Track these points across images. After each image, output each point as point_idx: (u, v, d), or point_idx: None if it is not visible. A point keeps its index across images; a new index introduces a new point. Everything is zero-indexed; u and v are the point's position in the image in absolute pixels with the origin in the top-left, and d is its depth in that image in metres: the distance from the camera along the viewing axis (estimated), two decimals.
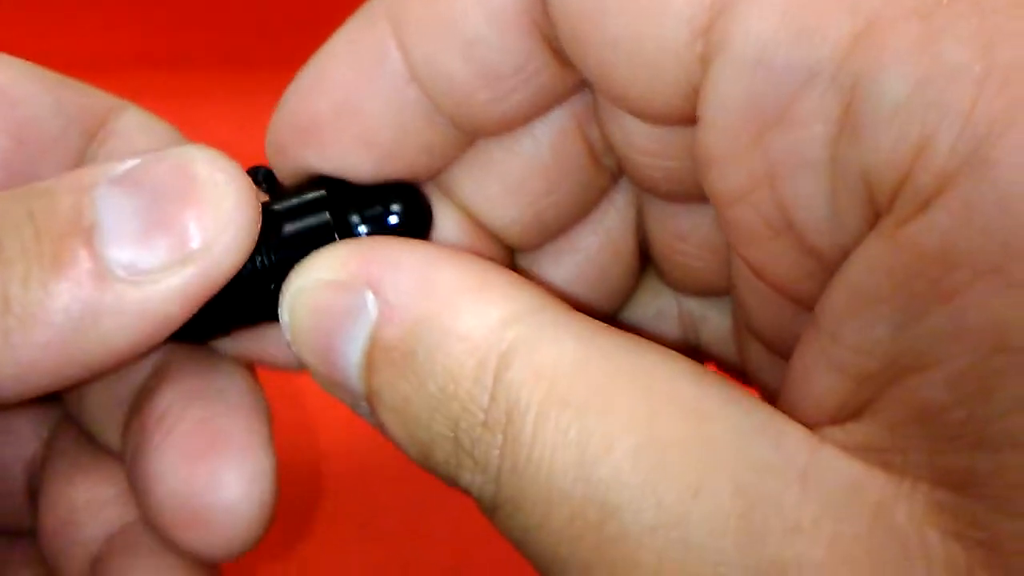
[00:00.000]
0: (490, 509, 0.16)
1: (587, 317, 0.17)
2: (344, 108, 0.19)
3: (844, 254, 0.15)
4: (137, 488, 0.20)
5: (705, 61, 0.15)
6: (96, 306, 0.17)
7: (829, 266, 0.16)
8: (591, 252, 0.22)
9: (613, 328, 0.17)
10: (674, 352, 0.16)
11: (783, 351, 0.18)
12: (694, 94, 0.16)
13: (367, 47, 0.19)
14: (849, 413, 0.15)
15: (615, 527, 0.15)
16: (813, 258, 0.16)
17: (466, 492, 0.17)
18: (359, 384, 0.18)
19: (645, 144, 0.19)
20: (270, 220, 0.19)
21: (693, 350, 0.24)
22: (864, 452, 0.15)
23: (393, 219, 0.20)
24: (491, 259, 0.19)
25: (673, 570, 0.14)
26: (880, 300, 0.14)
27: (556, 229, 0.22)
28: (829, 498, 0.14)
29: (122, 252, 0.17)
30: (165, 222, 0.17)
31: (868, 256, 0.15)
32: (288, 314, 0.18)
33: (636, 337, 0.17)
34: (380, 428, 0.18)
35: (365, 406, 0.18)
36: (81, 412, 0.23)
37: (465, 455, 0.16)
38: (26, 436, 0.24)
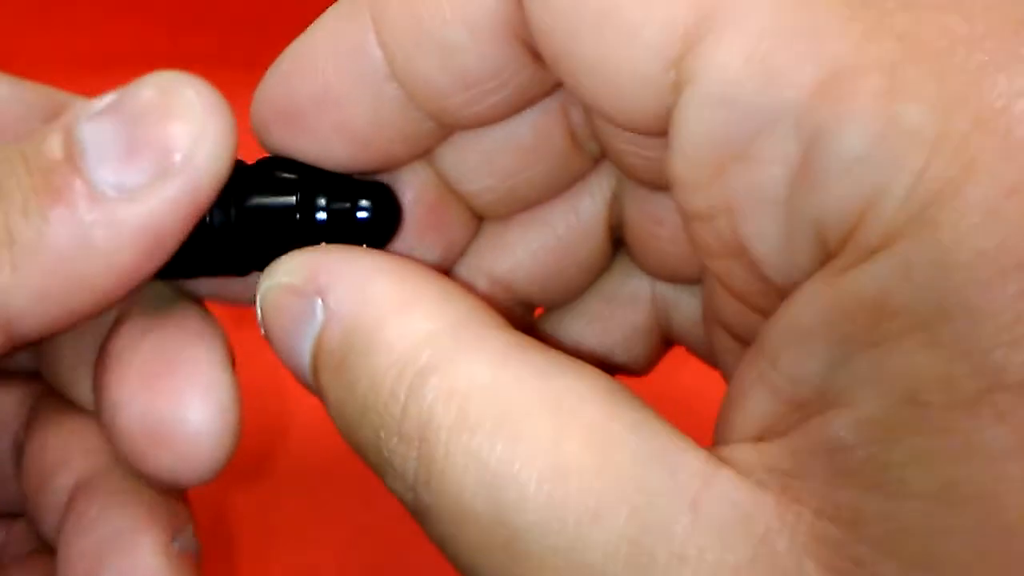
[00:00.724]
0: (414, 513, 0.17)
1: (514, 332, 0.18)
2: (324, 98, 0.19)
3: (794, 286, 0.16)
4: (105, 423, 0.21)
5: (676, 89, 0.16)
6: (93, 225, 0.18)
7: (781, 292, 0.16)
8: (560, 229, 0.23)
9: (537, 345, 0.17)
10: (591, 370, 0.17)
11: (748, 341, 0.19)
12: (667, 114, 0.16)
13: (349, 40, 0.19)
14: (772, 435, 0.16)
15: (521, 547, 0.16)
16: (766, 283, 0.17)
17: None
18: (311, 381, 0.19)
19: (625, 138, 0.20)
20: (243, 182, 0.20)
21: (664, 332, 0.25)
22: (767, 473, 0.15)
23: (362, 214, 0.20)
24: (458, 223, 0.22)
25: None
26: (816, 337, 0.15)
27: (527, 203, 0.22)
28: (717, 527, 0.15)
29: (109, 173, 0.18)
30: (146, 140, 0.18)
31: (811, 294, 0.15)
32: (259, 310, 0.20)
33: (556, 356, 0.17)
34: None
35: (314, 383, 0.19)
36: (55, 375, 0.24)
37: (386, 463, 0.17)
38: (11, 417, 0.25)
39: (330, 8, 0.20)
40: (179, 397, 0.20)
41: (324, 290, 0.19)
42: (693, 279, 0.23)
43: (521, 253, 0.23)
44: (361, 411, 0.18)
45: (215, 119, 0.19)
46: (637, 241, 0.23)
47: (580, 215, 0.23)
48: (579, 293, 0.24)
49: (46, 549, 0.23)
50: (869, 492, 0.14)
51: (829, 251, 0.15)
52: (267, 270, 0.20)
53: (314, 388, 0.19)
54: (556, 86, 0.20)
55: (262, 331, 0.20)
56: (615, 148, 0.20)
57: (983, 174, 0.13)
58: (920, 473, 0.14)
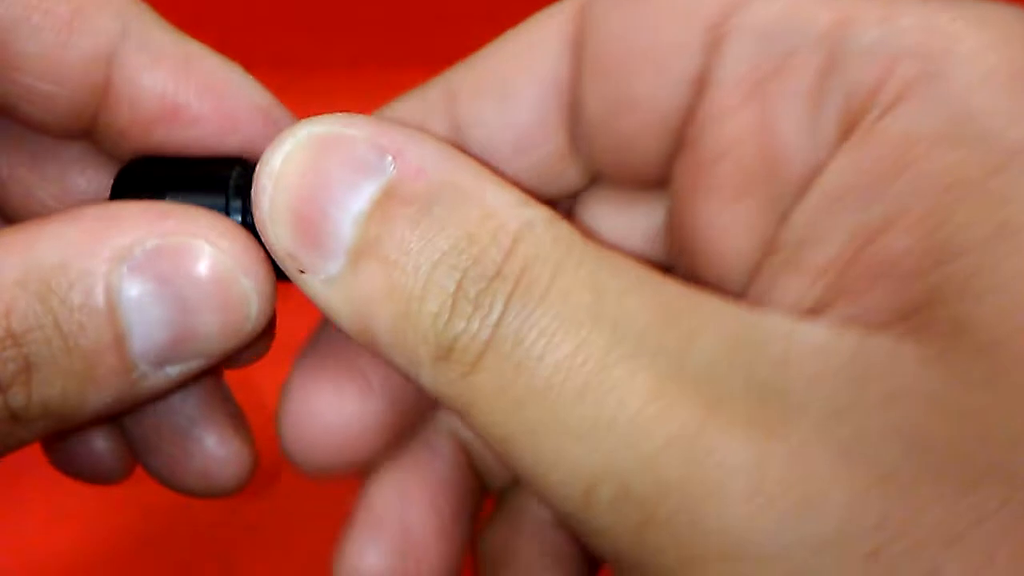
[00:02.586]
0: (470, 362, 0.17)
1: None
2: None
3: (813, 175, 0.18)
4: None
5: (711, 48, 0.19)
6: (123, 395, 0.19)
7: (787, 211, 0.18)
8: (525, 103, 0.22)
9: None
10: None
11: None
12: (697, 74, 0.19)
13: (422, 103, 0.22)
14: (810, 313, 0.17)
15: (615, 359, 0.16)
16: (773, 212, 0.19)
17: (432, 362, 0.17)
18: (352, 234, 0.18)
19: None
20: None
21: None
22: (837, 326, 0.17)
23: None
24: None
25: (671, 390, 0.16)
26: (850, 186, 0.17)
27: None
28: (811, 343, 0.16)
29: (149, 360, 0.19)
30: (190, 333, 0.19)
31: (839, 160, 0.18)
32: (280, 160, 0.18)
33: None
34: (339, 293, 0.18)
35: (335, 267, 0.18)
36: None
37: (465, 303, 0.17)
38: None
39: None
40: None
41: (400, 148, 0.18)
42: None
43: (488, 123, 0.23)
44: (440, 258, 0.17)
45: (259, 320, 0.19)
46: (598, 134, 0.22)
47: (546, 88, 0.22)
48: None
49: None
50: (932, 272, 0.16)
51: (852, 123, 0.18)
52: (292, 128, 0.18)
53: (340, 246, 0.18)
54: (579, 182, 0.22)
55: (267, 193, 0.18)
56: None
57: (967, 42, 0.17)
58: (978, 226, 0.16)
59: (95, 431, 0.24)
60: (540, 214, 0.18)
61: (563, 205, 0.23)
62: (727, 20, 0.19)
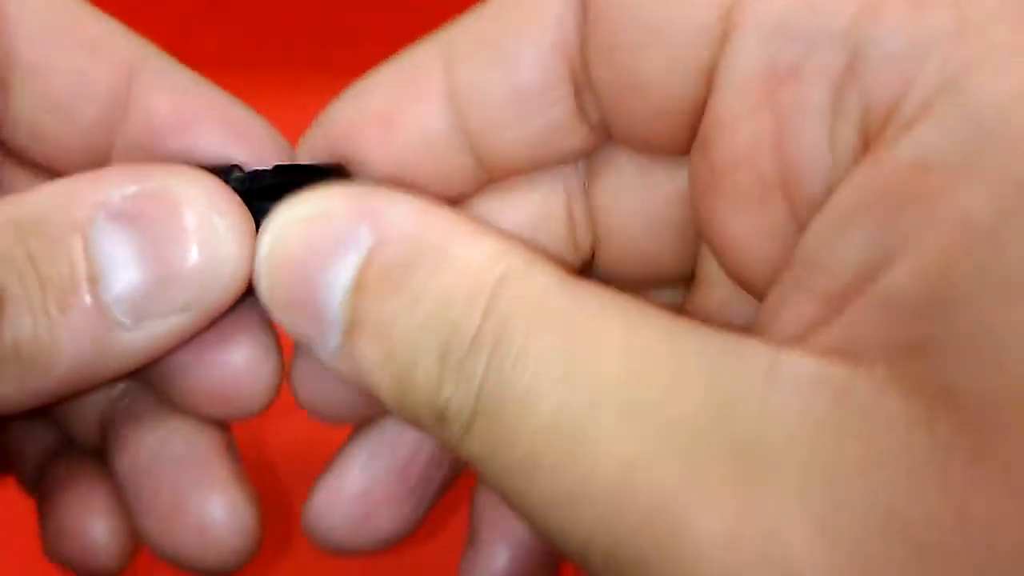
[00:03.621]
0: (463, 427, 0.17)
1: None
2: (382, 120, 0.20)
3: (829, 193, 0.17)
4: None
5: (723, 40, 0.18)
6: (100, 349, 0.19)
7: (806, 222, 0.18)
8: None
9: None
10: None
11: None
12: (709, 71, 0.18)
13: (418, 65, 0.21)
14: (816, 332, 0.17)
15: (592, 421, 0.16)
16: (793, 221, 0.18)
17: (434, 425, 0.18)
18: (341, 311, 0.18)
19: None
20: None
21: None
22: (824, 354, 0.16)
23: None
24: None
25: (648, 454, 0.16)
26: (861, 210, 0.16)
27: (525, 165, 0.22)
28: (792, 387, 0.16)
29: (123, 300, 0.18)
30: (165, 273, 0.18)
31: (854, 179, 0.17)
32: (268, 247, 0.19)
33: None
34: (344, 364, 0.19)
35: (334, 341, 0.18)
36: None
37: (449, 371, 0.17)
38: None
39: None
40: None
41: (375, 214, 0.18)
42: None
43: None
44: (422, 325, 0.17)
45: (237, 258, 0.19)
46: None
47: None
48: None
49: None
50: (933, 317, 0.15)
51: (871, 138, 0.17)
52: (281, 209, 0.19)
53: (336, 324, 0.18)
54: (587, 148, 0.21)
55: (264, 280, 0.19)
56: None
57: (999, 49, 0.15)
58: (982, 279, 0.15)
59: (91, 516, 0.23)
60: (515, 263, 0.18)
61: (574, 167, 0.22)
62: (739, 5, 0.18)
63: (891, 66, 0.16)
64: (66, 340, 0.18)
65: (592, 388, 0.16)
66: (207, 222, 0.19)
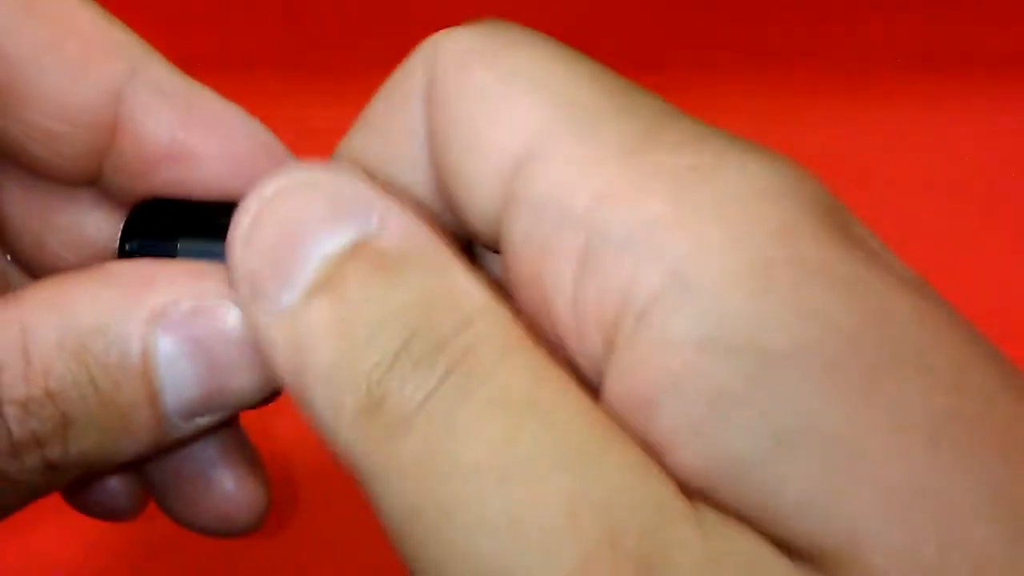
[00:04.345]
0: (391, 427, 0.17)
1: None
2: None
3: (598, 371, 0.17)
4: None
5: (506, 204, 0.18)
6: (154, 443, 0.20)
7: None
8: None
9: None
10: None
11: None
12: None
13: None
14: None
15: (545, 449, 0.16)
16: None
17: (352, 413, 0.17)
18: (314, 270, 0.18)
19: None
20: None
21: None
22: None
23: None
24: None
25: (582, 510, 0.16)
26: (630, 404, 0.17)
27: None
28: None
29: (181, 411, 0.19)
30: (222, 388, 0.19)
31: (611, 373, 0.17)
32: (275, 187, 0.18)
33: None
34: (278, 323, 0.18)
35: (290, 296, 0.18)
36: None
37: (408, 361, 0.17)
38: None
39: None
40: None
41: (387, 206, 0.18)
42: None
43: None
44: (397, 310, 0.17)
45: (277, 380, 0.19)
46: None
47: None
48: None
49: None
50: (724, 487, 0.16)
51: (612, 328, 0.17)
52: (302, 163, 0.19)
53: (301, 282, 0.18)
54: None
55: (251, 211, 0.18)
56: None
57: (714, 231, 0.16)
58: (755, 440, 0.16)
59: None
60: (499, 307, 0.18)
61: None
62: (516, 175, 0.18)
63: (617, 252, 0.17)
64: (126, 445, 0.19)
65: (546, 427, 0.16)
66: (261, 347, 0.19)
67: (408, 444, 0.16)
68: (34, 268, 0.24)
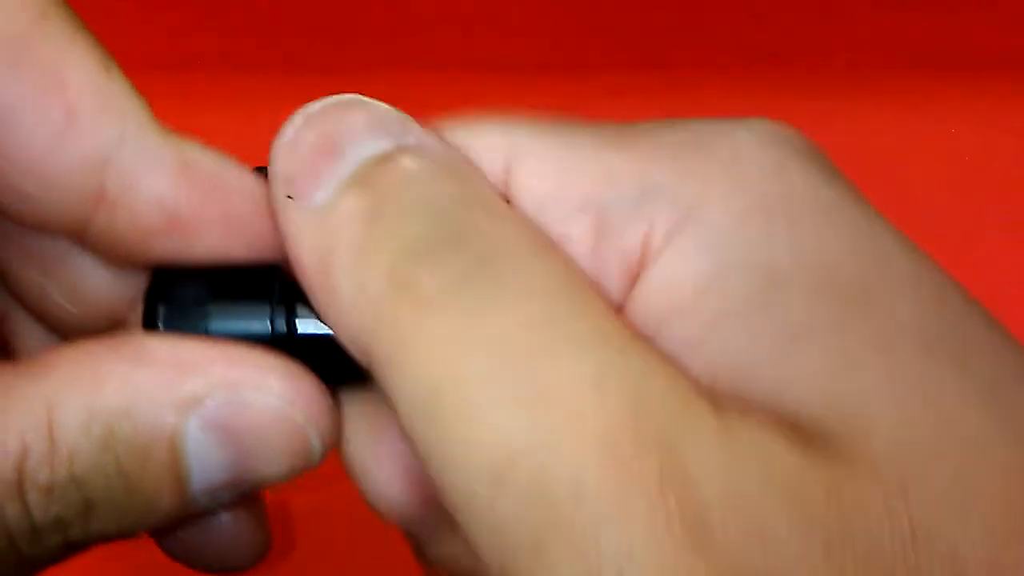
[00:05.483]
0: (428, 299, 0.17)
1: None
2: None
3: None
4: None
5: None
6: (176, 517, 0.20)
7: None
8: None
9: None
10: None
11: None
12: None
13: None
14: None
15: (581, 322, 0.17)
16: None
17: (378, 294, 0.17)
18: (351, 168, 0.18)
19: None
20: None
21: None
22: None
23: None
24: None
25: (611, 382, 0.16)
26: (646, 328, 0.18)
27: None
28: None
29: (207, 493, 0.19)
30: (250, 476, 0.19)
31: (629, 309, 0.18)
32: (322, 106, 0.19)
33: None
34: (312, 218, 0.18)
35: (325, 193, 0.18)
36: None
37: (445, 242, 0.17)
38: None
39: None
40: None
41: (425, 130, 0.19)
42: None
43: None
44: (430, 198, 0.18)
45: (322, 453, 0.20)
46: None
47: None
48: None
49: None
50: (740, 388, 0.17)
51: (634, 278, 0.18)
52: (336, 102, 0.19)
53: (335, 179, 0.18)
54: None
55: (297, 123, 0.19)
56: None
57: (719, 181, 0.18)
58: (767, 340, 0.17)
59: None
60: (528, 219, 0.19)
61: None
62: (509, 183, 0.19)
63: (632, 215, 0.18)
64: (147, 523, 0.19)
65: (575, 302, 0.17)
66: (299, 435, 0.19)
67: (436, 319, 0.17)
68: (39, 315, 0.23)
